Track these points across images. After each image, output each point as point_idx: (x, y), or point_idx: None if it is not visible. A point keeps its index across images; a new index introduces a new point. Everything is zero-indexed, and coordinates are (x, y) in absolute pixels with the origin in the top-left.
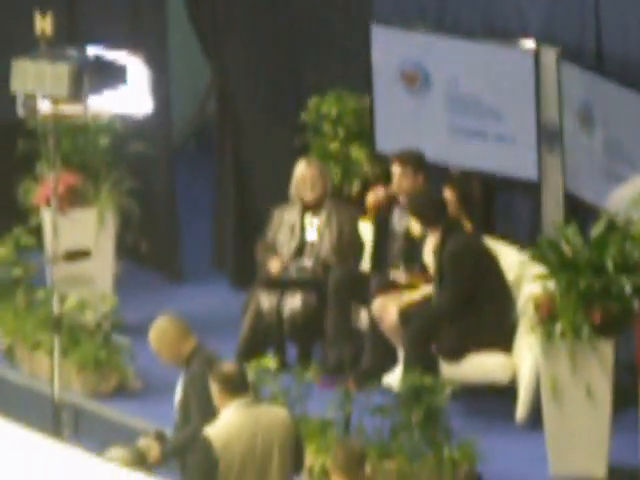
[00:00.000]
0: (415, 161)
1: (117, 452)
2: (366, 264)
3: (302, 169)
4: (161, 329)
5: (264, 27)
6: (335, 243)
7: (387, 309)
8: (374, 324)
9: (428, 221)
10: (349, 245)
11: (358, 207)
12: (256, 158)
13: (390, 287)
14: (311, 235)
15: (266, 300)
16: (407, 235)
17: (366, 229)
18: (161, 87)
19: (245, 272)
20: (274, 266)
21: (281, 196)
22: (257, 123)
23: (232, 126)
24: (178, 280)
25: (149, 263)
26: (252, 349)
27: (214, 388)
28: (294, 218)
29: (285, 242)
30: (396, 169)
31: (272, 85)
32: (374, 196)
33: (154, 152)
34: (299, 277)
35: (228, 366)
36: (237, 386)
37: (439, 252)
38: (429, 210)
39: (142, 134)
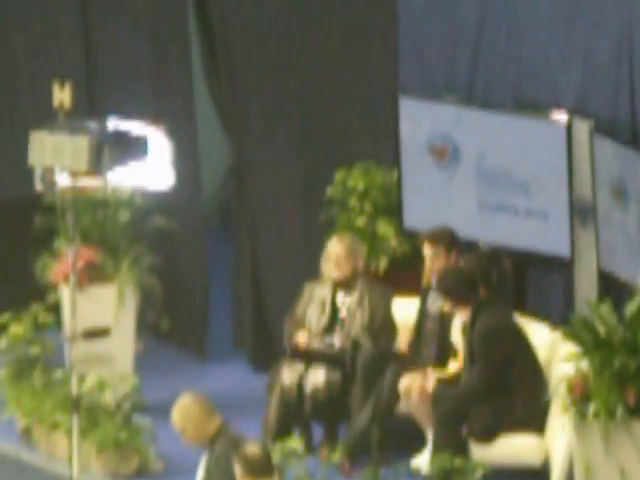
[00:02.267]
0: (447, 240)
1: None
2: (400, 344)
3: (331, 246)
4: (185, 407)
5: (286, 101)
6: (367, 323)
7: (415, 389)
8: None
9: (458, 299)
10: (382, 326)
11: (388, 285)
12: (274, 236)
13: (419, 367)
14: (342, 313)
15: (288, 375)
16: (441, 316)
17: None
18: (188, 160)
19: (264, 352)
20: (301, 339)
21: (299, 274)
22: (276, 199)
23: (249, 203)
24: (202, 358)
25: (171, 341)
26: (279, 429)
27: (238, 470)
28: (325, 294)
29: (315, 317)
30: (427, 250)
31: (294, 160)
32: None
33: (181, 227)
34: (324, 352)
35: (253, 448)
36: (262, 469)
37: (469, 331)
38: (459, 288)
39: (167, 209)
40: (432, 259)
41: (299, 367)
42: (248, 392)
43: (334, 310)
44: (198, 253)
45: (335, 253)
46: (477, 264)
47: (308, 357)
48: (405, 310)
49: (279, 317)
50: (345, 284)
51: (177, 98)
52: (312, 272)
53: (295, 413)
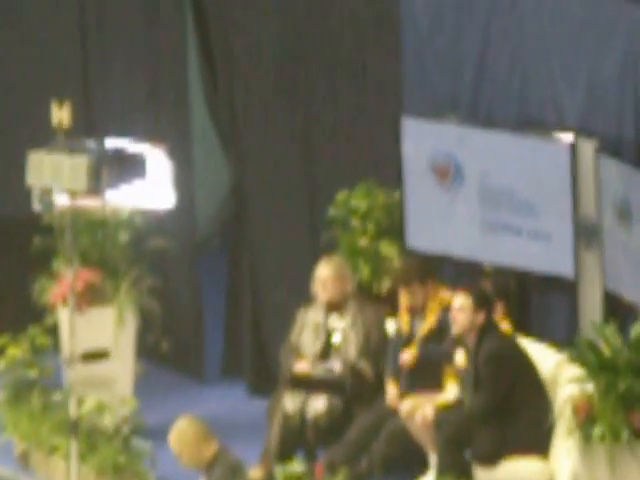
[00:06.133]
0: (419, 274)
1: None
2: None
3: (319, 268)
4: (182, 431)
5: (287, 120)
6: (362, 345)
7: (417, 411)
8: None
9: (486, 316)
10: (378, 346)
11: (388, 305)
12: (274, 258)
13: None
14: (336, 336)
15: (290, 402)
16: None
17: (392, 328)
18: (185, 182)
19: (261, 376)
20: (299, 367)
21: (300, 298)
22: (276, 221)
23: (249, 224)
24: (200, 381)
25: (171, 363)
26: (282, 454)
27: None
28: (318, 318)
29: (309, 343)
30: (403, 291)
31: (295, 180)
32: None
33: (176, 249)
34: (325, 379)
35: (254, 472)
36: None
37: (474, 353)
38: (491, 304)
39: (164, 230)
40: (408, 297)
41: (301, 393)
42: (245, 416)
43: (328, 334)
44: (192, 275)
45: (323, 275)
46: (494, 289)
47: (308, 385)
48: None
49: (277, 341)
50: (336, 307)
51: (173, 118)
52: (313, 295)
53: (297, 439)
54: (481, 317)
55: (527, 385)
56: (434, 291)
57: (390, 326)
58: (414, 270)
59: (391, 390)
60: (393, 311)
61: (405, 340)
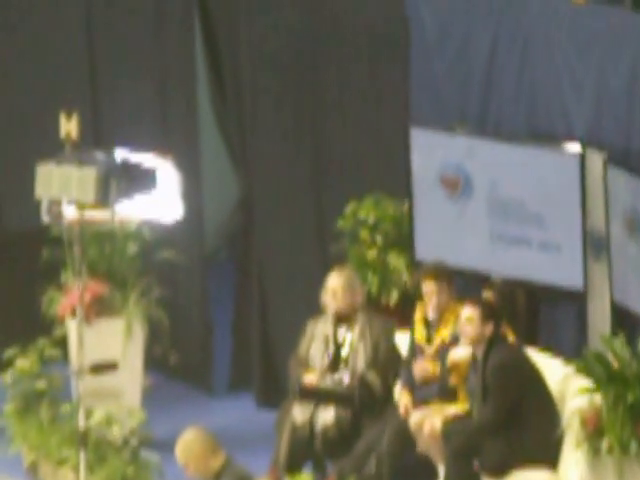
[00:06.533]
0: (447, 274)
1: None
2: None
3: (330, 279)
4: (188, 443)
5: (296, 132)
6: (371, 357)
7: (425, 424)
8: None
9: (494, 327)
10: (386, 358)
11: (396, 318)
12: (283, 269)
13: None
14: (345, 348)
15: (299, 414)
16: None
17: (402, 341)
18: (193, 194)
19: (269, 388)
20: (308, 379)
21: (308, 310)
22: (284, 232)
23: (258, 236)
24: (209, 393)
25: (179, 375)
26: (290, 465)
27: None
28: (327, 330)
29: (318, 355)
30: (429, 287)
31: (303, 193)
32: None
33: (184, 261)
34: (333, 390)
35: None
36: None
37: (482, 365)
38: (500, 313)
39: (172, 242)
40: (435, 295)
41: (310, 405)
42: (254, 428)
43: (337, 346)
44: (200, 287)
45: (332, 286)
46: (499, 300)
47: (317, 397)
48: None
49: (285, 353)
50: (345, 319)
51: (181, 130)
52: (322, 306)
53: (306, 450)
54: (489, 329)
55: (535, 396)
56: (451, 303)
57: (401, 338)
58: (445, 268)
59: (404, 400)
60: (402, 323)
61: (419, 352)
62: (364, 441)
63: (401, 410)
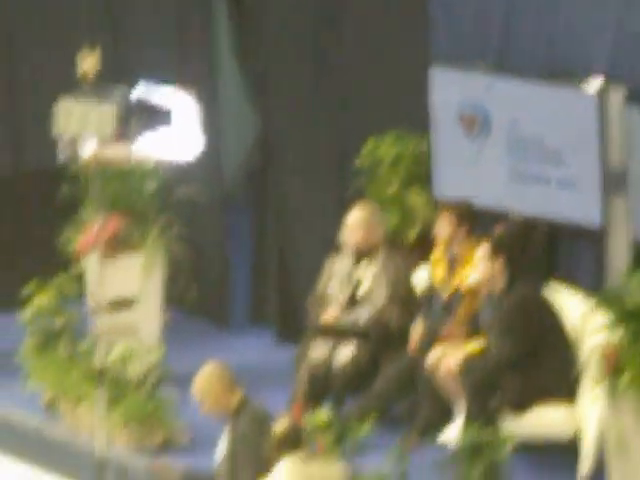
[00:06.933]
0: (470, 213)
1: None
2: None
3: (351, 214)
4: (207, 378)
5: (316, 68)
6: (389, 294)
7: (443, 361)
8: (429, 377)
9: (504, 264)
10: (405, 297)
11: (415, 255)
12: (302, 207)
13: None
14: (365, 284)
15: (318, 351)
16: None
17: (422, 278)
18: (212, 130)
19: (288, 324)
20: (327, 316)
21: (327, 247)
22: (303, 169)
23: (277, 173)
24: (227, 329)
25: (198, 311)
26: (309, 401)
27: (268, 444)
28: (346, 267)
29: (337, 292)
30: (448, 222)
31: (321, 128)
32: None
33: (203, 197)
34: (352, 327)
35: (283, 422)
36: (291, 442)
37: (501, 301)
38: (513, 250)
39: (191, 178)
40: (454, 234)
41: (328, 342)
42: (272, 364)
43: (356, 283)
44: (219, 223)
45: (353, 221)
46: (510, 235)
47: (336, 334)
48: None
49: (304, 289)
50: (365, 255)
51: (200, 67)
52: (342, 243)
53: (325, 387)
54: (499, 264)
55: (553, 333)
56: (472, 243)
57: (419, 275)
58: (469, 206)
59: (415, 336)
60: (421, 261)
61: (439, 290)
62: (381, 381)
63: (411, 345)
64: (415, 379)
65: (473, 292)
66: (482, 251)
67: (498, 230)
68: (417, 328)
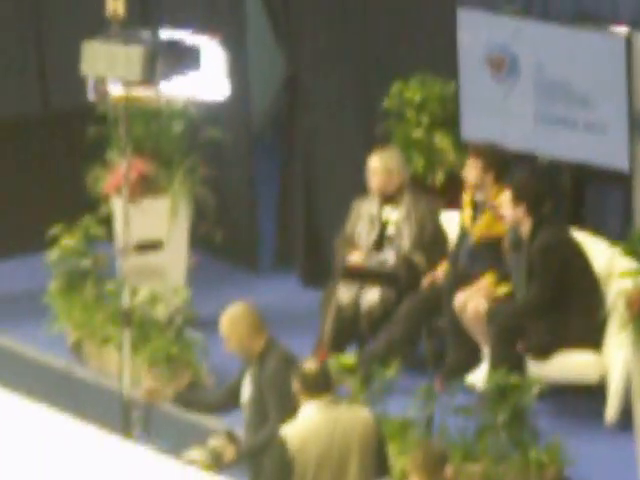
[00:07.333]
0: (499, 157)
1: (193, 453)
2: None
3: (373, 159)
4: (235, 317)
5: (342, 11)
6: (416, 237)
7: (470, 304)
8: (456, 321)
9: (529, 207)
10: (432, 238)
11: (442, 198)
12: (328, 149)
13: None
14: (390, 228)
15: (345, 294)
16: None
17: (448, 221)
18: (239, 73)
19: (314, 267)
20: (354, 258)
21: (354, 189)
22: (330, 112)
23: (303, 116)
24: (254, 272)
25: (224, 254)
26: (335, 344)
27: (295, 387)
28: (373, 210)
29: (364, 235)
30: (476, 165)
31: (348, 71)
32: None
33: (230, 140)
34: (379, 270)
35: (310, 364)
36: (319, 385)
37: (528, 246)
38: (536, 195)
39: (218, 121)
40: (483, 177)
41: (355, 285)
42: (299, 307)
43: (382, 226)
44: (246, 166)
45: (375, 166)
46: (537, 178)
47: (362, 276)
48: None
49: (331, 232)
50: (391, 199)
51: (227, 9)
52: (367, 187)
53: (351, 330)
54: (521, 209)
55: (580, 277)
56: (501, 187)
57: (446, 218)
58: (496, 151)
59: (438, 272)
60: (447, 203)
61: (467, 234)
62: (399, 321)
63: (427, 278)
64: (429, 316)
65: (499, 237)
66: (505, 197)
67: (519, 175)
68: (444, 269)
